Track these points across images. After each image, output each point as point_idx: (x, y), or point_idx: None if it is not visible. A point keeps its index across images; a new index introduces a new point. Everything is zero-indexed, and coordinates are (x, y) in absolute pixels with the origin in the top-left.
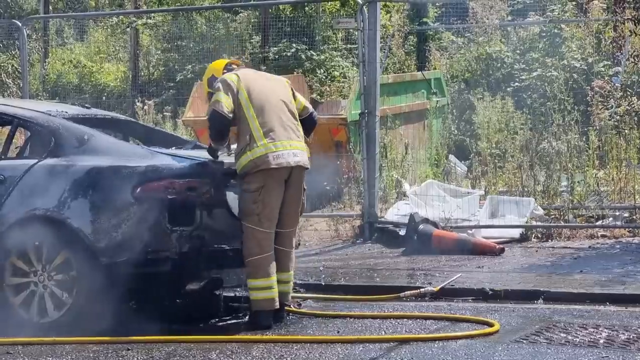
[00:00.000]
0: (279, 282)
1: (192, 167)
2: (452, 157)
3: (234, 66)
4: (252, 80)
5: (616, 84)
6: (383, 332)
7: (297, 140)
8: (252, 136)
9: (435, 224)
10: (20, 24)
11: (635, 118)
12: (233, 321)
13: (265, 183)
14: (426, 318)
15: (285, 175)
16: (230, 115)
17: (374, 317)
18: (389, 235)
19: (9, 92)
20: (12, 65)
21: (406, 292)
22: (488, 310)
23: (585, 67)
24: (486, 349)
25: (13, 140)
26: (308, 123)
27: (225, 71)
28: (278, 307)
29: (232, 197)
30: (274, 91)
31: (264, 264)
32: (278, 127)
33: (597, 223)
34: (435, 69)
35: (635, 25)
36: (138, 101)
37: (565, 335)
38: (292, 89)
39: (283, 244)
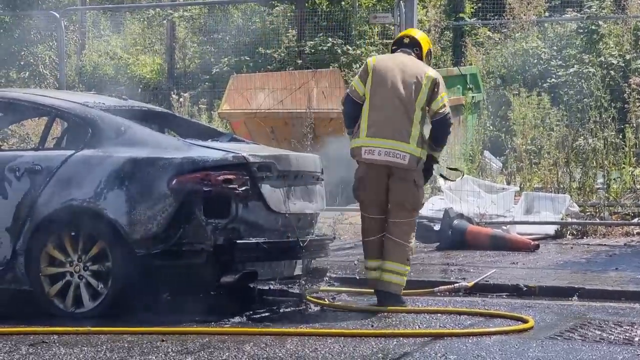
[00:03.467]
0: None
1: (228, 160)
2: (487, 153)
3: None
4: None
5: None
6: (417, 327)
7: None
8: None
9: (469, 220)
10: (57, 16)
11: None
12: (267, 314)
13: None
14: (460, 313)
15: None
16: None
17: (407, 312)
18: (423, 230)
19: (46, 83)
20: (50, 57)
21: (440, 287)
22: (522, 306)
23: (623, 64)
24: (520, 345)
25: (50, 131)
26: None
27: None
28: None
29: (268, 190)
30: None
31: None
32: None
33: (633, 221)
34: (471, 64)
35: None
36: (174, 93)
37: (600, 332)
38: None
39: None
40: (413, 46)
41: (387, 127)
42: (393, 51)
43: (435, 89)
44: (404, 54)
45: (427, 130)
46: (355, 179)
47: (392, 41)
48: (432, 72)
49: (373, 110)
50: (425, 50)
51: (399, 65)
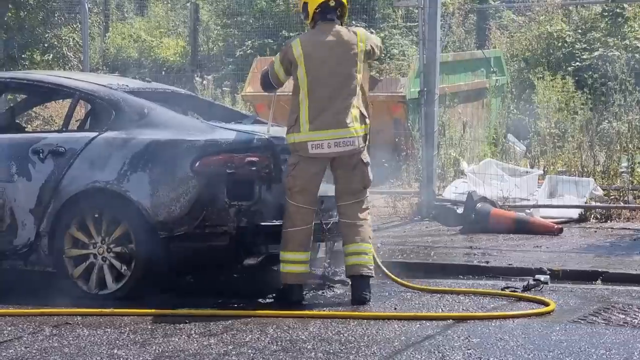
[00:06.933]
0: (349, 254)
1: (252, 142)
2: (510, 136)
3: None
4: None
5: None
6: (440, 310)
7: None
8: None
9: (493, 203)
10: None
11: None
12: None
13: None
14: (483, 294)
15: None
16: None
17: (432, 292)
18: (446, 213)
19: (70, 65)
20: (73, 39)
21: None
22: (546, 290)
23: None
24: (544, 329)
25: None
26: None
27: None
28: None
29: None
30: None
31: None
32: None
33: None
34: (495, 47)
35: None
36: (197, 76)
37: (623, 316)
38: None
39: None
40: (337, 8)
41: (329, 116)
42: (317, 15)
43: (369, 47)
44: (330, 26)
45: (361, 100)
46: (288, 164)
47: (415, 24)
48: (364, 43)
49: (312, 102)
50: (346, 13)
51: (330, 43)
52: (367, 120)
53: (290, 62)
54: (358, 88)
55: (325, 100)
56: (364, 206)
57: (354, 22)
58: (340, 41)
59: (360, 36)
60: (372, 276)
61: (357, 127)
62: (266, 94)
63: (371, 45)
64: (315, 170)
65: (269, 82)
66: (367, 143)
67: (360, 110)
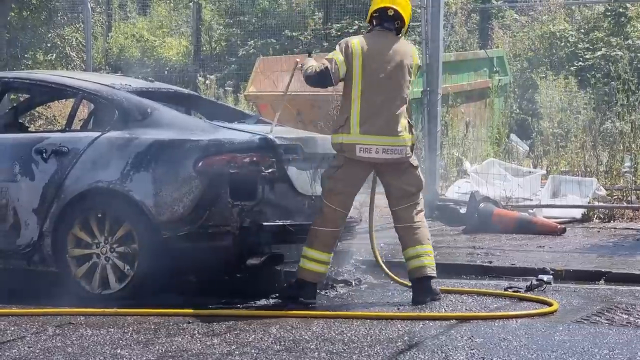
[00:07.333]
0: (410, 258)
1: (255, 142)
2: (513, 136)
3: None
4: None
5: None
6: (443, 310)
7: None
8: None
9: (496, 203)
10: None
11: None
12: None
13: None
14: (486, 294)
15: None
16: None
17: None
18: (449, 213)
19: (72, 65)
20: (76, 39)
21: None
22: (549, 290)
23: None
24: (547, 329)
25: (77, 113)
26: None
27: None
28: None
29: (294, 172)
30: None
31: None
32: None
33: None
34: (497, 47)
35: None
36: (200, 75)
37: (627, 316)
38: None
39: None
40: (395, 19)
41: (383, 122)
42: (373, 20)
43: (418, 65)
44: (386, 34)
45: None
46: (330, 166)
47: (418, 23)
48: (417, 56)
49: (365, 104)
50: (407, 25)
51: (388, 50)
52: (414, 131)
53: (348, 59)
54: (407, 98)
55: (378, 104)
56: (419, 208)
57: (356, 22)
58: (396, 50)
59: (415, 52)
60: (435, 277)
61: (407, 136)
62: (268, 94)
63: (419, 65)
64: (359, 175)
65: (324, 79)
66: (413, 152)
67: (407, 120)
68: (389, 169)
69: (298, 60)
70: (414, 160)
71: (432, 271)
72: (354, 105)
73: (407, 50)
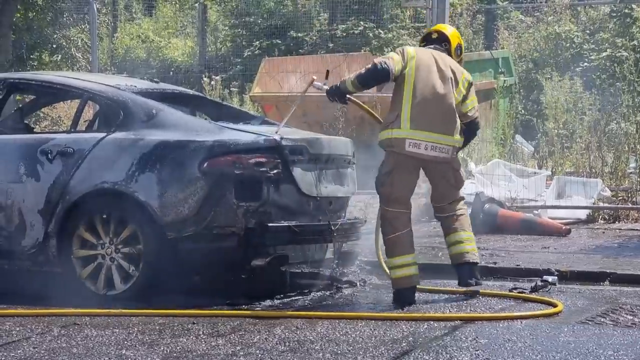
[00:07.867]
0: (451, 244)
1: (260, 143)
2: (518, 137)
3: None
4: None
5: None
6: (447, 311)
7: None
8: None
9: (501, 204)
10: None
11: None
12: (298, 297)
13: None
14: (491, 295)
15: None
16: None
17: (439, 293)
18: None
19: (78, 66)
20: (82, 40)
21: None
22: (553, 290)
23: None
24: (551, 330)
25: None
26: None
27: None
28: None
29: (299, 173)
30: None
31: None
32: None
33: None
34: (503, 48)
35: None
36: (205, 76)
37: (631, 317)
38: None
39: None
40: (441, 41)
41: (434, 119)
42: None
43: (470, 91)
44: (438, 49)
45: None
46: (382, 173)
47: (423, 24)
48: (467, 74)
49: (416, 100)
50: (454, 46)
51: (436, 59)
52: (462, 134)
53: (404, 59)
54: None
55: (429, 102)
56: (460, 201)
57: (361, 22)
58: (448, 62)
59: (465, 71)
60: (477, 262)
61: (458, 137)
62: (273, 95)
63: (470, 82)
64: (410, 176)
65: (382, 74)
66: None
67: (460, 123)
68: (438, 167)
69: (315, 77)
70: (455, 163)
71: (474, 257)
72: (405, 103)
73: (458, 66)
